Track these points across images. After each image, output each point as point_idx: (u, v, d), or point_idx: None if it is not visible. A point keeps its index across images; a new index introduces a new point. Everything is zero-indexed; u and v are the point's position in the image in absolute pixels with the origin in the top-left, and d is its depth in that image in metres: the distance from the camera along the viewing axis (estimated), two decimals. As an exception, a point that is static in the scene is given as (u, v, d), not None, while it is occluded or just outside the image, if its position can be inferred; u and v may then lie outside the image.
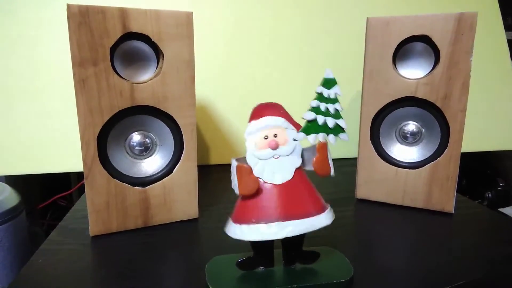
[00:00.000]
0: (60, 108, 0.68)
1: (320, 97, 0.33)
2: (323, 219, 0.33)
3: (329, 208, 0.35)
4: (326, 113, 0.33)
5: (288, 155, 0.34)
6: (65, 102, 0.68)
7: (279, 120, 0.34)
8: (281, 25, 0.78)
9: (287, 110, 0.35)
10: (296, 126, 0.34)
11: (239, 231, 0.33)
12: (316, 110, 0.33)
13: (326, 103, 0.33)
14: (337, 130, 0.34)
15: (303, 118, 0.33)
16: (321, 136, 0.33)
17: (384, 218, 0.52)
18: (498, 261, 0.40)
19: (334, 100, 0.33)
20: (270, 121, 0.34)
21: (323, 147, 0.34)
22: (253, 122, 0.34)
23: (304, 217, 0.33)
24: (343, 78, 0.34)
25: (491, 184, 1.02)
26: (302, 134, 0.33)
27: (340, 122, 0.34)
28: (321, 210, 0.34)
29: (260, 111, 0.34)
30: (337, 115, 0.34)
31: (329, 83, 0.33)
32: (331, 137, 0.34)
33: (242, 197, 0.33)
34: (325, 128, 0.33)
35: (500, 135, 0.82)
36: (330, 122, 0.33)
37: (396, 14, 0.50)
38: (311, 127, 0.33)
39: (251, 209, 0.33)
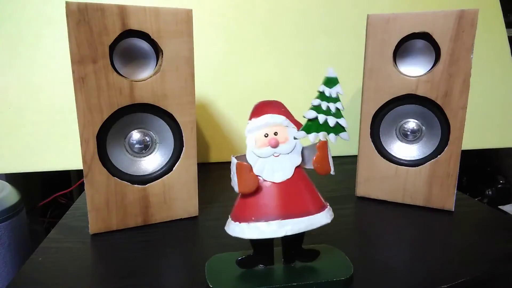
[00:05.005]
0: (60, 106, 0.68)
1: (322, 95, 0.33)
2: (323, 218, 0.33)
3: (328, 206, 0.35)
4: (327, 112, 0.33)
5: (288, 154, 0.34)
6: (64, 100, 0.68)
7: (280, 118, 0.34)
8: (281, 22, 0.78)
9: (287, 107, 0.35)
10: (297, 124, 0.34)
11: (238, 229, 0.33)
12: (317, 108, 0.33)
13: (328, 102, 0.33)
14: (338, 129, 0.34)
15: (304, 117, 0.33)
16: (321, 135, 0.33)
17: (384, 216, 0.52)
18: (498, 259, 0.40)
19: (336, 99, 0.33)
20: (271, 119, 0.34)
21: (324, 146, 0.34)
22: (253, 119, 0.34)
23: (304, 216, 0.33)
24: (344, 76, 0.33)
25: (491, 181, 1.02)
26: (302, 133, 0.33)
27: (341, 121, 0.33)
28: (320, 208, 0.34)
29: (261, 108, 0.34)
30: (338, 114, 0.33)
31: (330, 81, 0.33)
32: (331, 136, 0.33)
33: (242, 195, 0.33)
34: (326, 127, 0.33)
35: (501, 133, 0.82)
36: (331, 121, 0.33)
37: (396, 11, 0.50)
38: (312, 126, 0.33)
39: (250, 207, 0.33)
